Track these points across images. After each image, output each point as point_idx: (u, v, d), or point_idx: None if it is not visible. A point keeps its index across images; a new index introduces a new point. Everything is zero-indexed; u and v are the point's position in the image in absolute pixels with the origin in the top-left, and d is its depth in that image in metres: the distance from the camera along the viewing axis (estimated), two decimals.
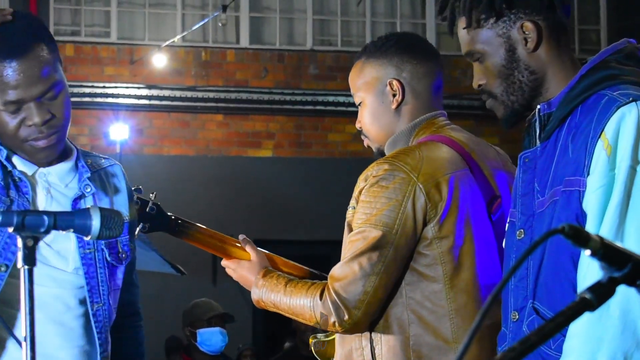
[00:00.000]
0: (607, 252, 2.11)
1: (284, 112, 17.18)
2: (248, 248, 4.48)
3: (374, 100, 4.45)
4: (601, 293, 2.04)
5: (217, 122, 17.14)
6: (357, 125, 4.57)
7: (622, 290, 2.15)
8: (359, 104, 4.52)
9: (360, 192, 4.18)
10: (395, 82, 4.39)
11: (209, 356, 9.41)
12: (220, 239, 4.55)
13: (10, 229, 3.13)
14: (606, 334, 3.21)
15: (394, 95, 4.40)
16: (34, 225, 3.12)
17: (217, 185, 16.31)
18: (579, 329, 3.24)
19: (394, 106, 4.40)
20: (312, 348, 4.47)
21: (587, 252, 2.09)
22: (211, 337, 10.19)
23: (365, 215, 4.12)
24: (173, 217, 4.47)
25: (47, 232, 3.17)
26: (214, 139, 17.12)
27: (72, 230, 3.31)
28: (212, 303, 9.98)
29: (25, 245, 3.09)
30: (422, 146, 4.28)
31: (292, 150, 17.03)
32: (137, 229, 4.36)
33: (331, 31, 17.77)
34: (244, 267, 4.43)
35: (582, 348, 3.25)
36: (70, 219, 3.27)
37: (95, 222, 3.24)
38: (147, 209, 4.38)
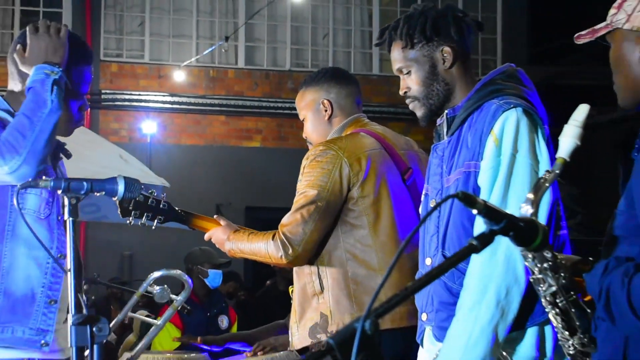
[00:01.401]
0: (488, 212, 2.16)
1: (269, 114, 17.11)
2: (221, 221, 4.38)
3: (313, 115, 4.48)
4: (484, 240, 2.06)
5: (221, 121, 17.07)
6: (304, 135, 4.60)
7: (505, 241, 2.26)
8: (303, 119, 4.54)
9: (303, 168, 4.21)
10: (326, 101, 4.43)
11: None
12: (205, 219, 4.41)
13: (59, 191, 3.19)
14: (494, 272, 3.20)
15: (326, 111, 4.44)
16: (76, 189, 3.17)
17: (220, 166, 16.21)
18: (475, 269, 3.25)
19: (326, 118, 4.44)
20: None
21: (475, 211, 2.14)
22: (216, 277, 10.12)
23: (306, 181, 4.15)
24: (179, 210, 4.34)
25: (86, 194, 3.21)
26: (218, 133, 17.06)
27: (103, 192, 3.29)
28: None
29: (70, 203, 3.17)
30: (348, 135, 4.36)
31: (274, 142, 16.98)
32: (155, 222, 4.22)
33: (304, 57, 17.61)
34: (218, 231, 4.35)
35: (477, 283, 3.23)
36: (102, 184, 3.27)
37: (121, 187, 3.29)
38: (161, 206, 4.24)
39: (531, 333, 3.32)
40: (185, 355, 5.83)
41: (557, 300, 2.72)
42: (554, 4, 17.25)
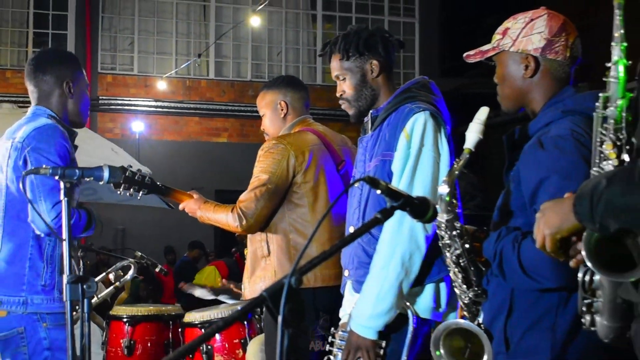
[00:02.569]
0: (389, 192, 2.13)
1: (234, 116, 17.07)
2: (194, 194, 4.28)
3: (271, 113, 4.41)
4: (386, 214, 2.05)
5: (195, 121, 17.07)
6: (262, 128, 4.51)
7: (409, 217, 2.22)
8: (263, 116, 4.46)
9: (259, 157, 4.16)
10: (282, 102, 4.36)
11: None
12: (181, 193, 4.29)
13: (57, 177, 3.11)
14: (400, 240, 3.21)
15: (282, 110, 4.37)
16: (70, 175, 3.12)
17: (194, 157, 16.21)
18: (386, 237, 3.26)
19: (282, 116, 4.37)
20: None
21: (378, 191, 2.13)
22: None
23: (260, 168, 4.11)
24: (160, 185, 4.16)
25: (78, 179, 3.16)
26: (193, 131, 17.05)
27: (92, 178, 3.29)
28: None
29: (65, 186, 3.10)
30: (295, 132, 4.30)
31: (238, 138, 16.89)
32: (140, 192, 4.10)
33: (262, 70, 17.54)
34: (190, 202, 4.24)
35: (387, 248, 3.24)
36: (91, 172, 3.27)
37: (106, 174, 3.35)
38: (145, 181, 4.09)
39: (429, 288, 3.35)
40: (163, 308, 5.81)
41: (460, 261, 2.78)
42: (462, 27, 17.23)
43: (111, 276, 4.13)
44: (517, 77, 2.81)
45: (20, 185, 3.40)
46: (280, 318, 1.81)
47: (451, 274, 2.85)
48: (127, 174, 4.00)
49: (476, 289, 2.80)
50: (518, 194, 2.70)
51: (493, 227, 2.82)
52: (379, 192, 2.13)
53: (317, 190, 4.19)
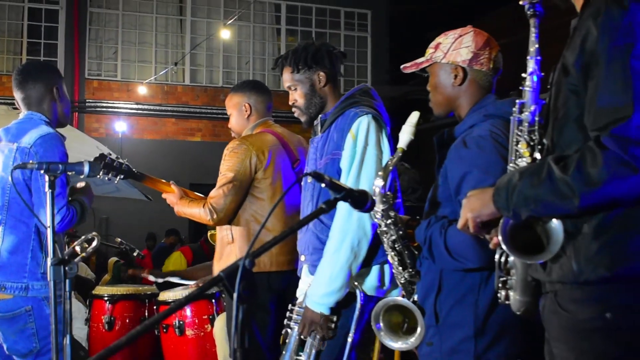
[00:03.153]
0: (332, 185, 2.13)
1: (207, 118, 16.97)
2: (173, 187, 4.27)
3: (236, 113, 4.38)
4: (329, 205, 2.06)
5: (172, 122, 16.90)
6: (229, 125, 4.47)
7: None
8: (230, 115, 4.42)
9: (225, 156, 4.14)
10: (247, 104, 4.33)
11: None
12: (159, 181, 4.30)
13: (42, 171, 3.11)
14: (350, 228, 3.22)
15: (246, 111, 4.34)
16: (54, 169, 3.10)
17: (171, 154, 16.05)
18: (337, 225, 3.27)
19: (246, 117, 4.35)
20: None
21: (323, 185, 2.13)
22: None
23: (227, 166, 4.10)
24: (136, 171, 4.15)
25: (61, 173, 3.14)
26: (170, 131, 16.88)
27: (73, 172, 3.26)
28: None
29: (49, 179, 3.08)
30: (257, 133, 4.28)
31: (210, 138, 16.74)
32: (117, 178, 4.09)
33: (232, 77, 17.34)
34: (170, 196, 4.24)
35: (338, 235, 3.25)
36: (72, 166, 3.23)
37: (86, 168, 3.26)
38: (123, 167, 4.07)
39: (375, 269, 3.37)
40: (140, 288, 5.80)
41: (396, 246, 2.82)
42: (409, 39, 17.29)
43: (78, 248, 4.10)
44: (447, 86, 2.85)
45: (10, 179, 3.40)
46: (235, 295, 1.82)
47: (389, 258, 2.88)
48: (106, 160, 4.01)
49: (410, 270, 2.83)
50: (445, 187, 2.74)
51: (424, 216, 2.86)
52: (323, 185, 2.14)
53: (275, 185, 4.18)
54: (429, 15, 17.60)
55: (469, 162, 2.63)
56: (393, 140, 3.31)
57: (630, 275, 1.97)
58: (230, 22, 15.03)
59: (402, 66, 2.98)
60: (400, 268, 2.85)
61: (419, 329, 2.73)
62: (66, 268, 3.08)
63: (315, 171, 2.15)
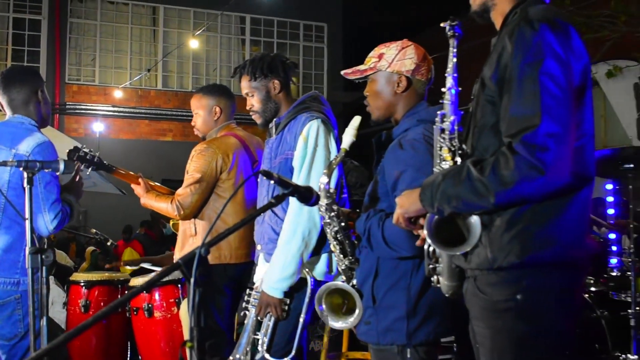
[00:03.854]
0: (280, 182, 2.16)
1: (177, 120, 16.86)
2: (140, 180, 4.22)
3: (205, 114, 4.30)
4: (278, 199, 2.06)
5: (145, 123, 16.86)
6: (192, 123, 4.38)
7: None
8: (196, 114, 4.33)
9: (192, 157, 4.12)
10: (217, 108, 4.28)
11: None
12: (128, 173, 4.23)
13: (21, 168, 3.07)
14: (301, 220, 3.23)
15: (215, 113, 4.28)
16: (32, 167, 3.06)
17: (145, 153, 15.95)
18: (289, 218, 3.28)
19: (215, 119, 4.29)
20: None
21: (272, 182, 2.15)
22: None
23: (194, 167, 4.07)
24: (107, 163, 4.12)
25: (38, 170, 3.10)
26: (144, 132, 16.82)
27: (50, 169, 3.19)
28: None
29: (27, 176, 3.05)
30: (222, 137, 4.24)
31: (181, 138, 16.63)
32: (89, 169, 4.06)
33: (200, 82, 17.06)
34: (138, 188, 4.20)
35: (290, 226, 3.26)
36: (49, 164, 3.16)
37: (61, 166, 3.20)
38: (95, 160, 4.04)
39: (324, 257, 3.40)
40: (114, 274, 5.76)
41: (338, 236, 2.84)
42: (360, 50, 17.32)
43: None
44: (389, 92, 2.87)
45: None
46: (192, 280, 1.83)
47: (331, 247, 2.89)
48: (80, 153, 4.00)
49: (350, 258, 2.85)
50: (383, 183, 2.78)
51: (363, 209, 2.89)
52: (272, 182, 2.15)
53: (237, 185, 4.15)
54: (378, 29, 17.68)
55: (404, 162, 2.67)
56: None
57: (537, 261, 2.07)
58: (198, 32, 14.95)
59: (343, 72, 2.99)
60: (342, 256, 2.86)
61: (357, 310, 2.76)
62: (42, 256, 3.05)
63: (265, 170, 2.18)
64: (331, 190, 2.77)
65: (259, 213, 2.13)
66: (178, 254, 4.26)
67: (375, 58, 2.89)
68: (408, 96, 2.88)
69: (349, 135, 2.77)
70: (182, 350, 4.93)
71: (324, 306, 2.85)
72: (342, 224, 2.83)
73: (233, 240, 4.08)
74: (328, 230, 2.86)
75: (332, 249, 2.89)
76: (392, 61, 2.83)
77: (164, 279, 5.20)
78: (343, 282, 2.87)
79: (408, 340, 2.69)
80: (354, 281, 2.85)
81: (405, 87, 2.85)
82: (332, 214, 2.79)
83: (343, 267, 2.88)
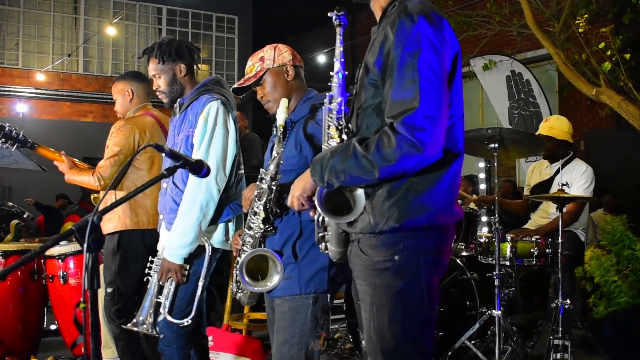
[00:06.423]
0: (172, 154, 2.18)
1: (97, 102, 16.43)
2: (63, 157, 4.14)
3: (121, 98, 4.30)
4: (170, 171, 2.09)
5: (67, 105, 16.38)
6: (115, 108, 4.36)
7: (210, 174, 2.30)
8: (116, 99, 4.33)
9: (112, 133, 4.08)
10: (129, 90, 4.28)
11: None
12: (51, 151, 4.14)
13: None
14: (199, 191, 3.21)
15: (129, 96, 4.28)
16: None
17: (67, 133, 15.37)
18: (189, 189, 3.25)
19: (128, 101, 4.29)
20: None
21: (163, 154, 2.16)
22: None
23: (114, 142, 4.04)
24: (30, 141, 4.04)
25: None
26: (66, 113, 16.33)
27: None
28: None
29: None
30: (139, 115, 4.23)
31: (101, 119, 16.15)
32: (14, 146, 3.99)
33: (120, 68, 16.81)
34: (62, 165, 4.12)
35: (189, 197, 3.23)
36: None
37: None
38: (20, 137, 4.00)
39: (221, 226, 3.39)
40: (30, 244, 5.57)
41: (267, 206, 2.75)
42: (269, 41, 17.30)
43: None
44: (283, 83, 2.91)
45: None
46: (85, 245, 1.80)
47: (255, 210, 2.79)
48: (5, 130, 3.94)
49: (269, 227, 2.78)
50: (301, 156, 2.80)
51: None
52: (163, 155, 2.12)
53: (152, 159, 4.13)
54: (285, 22, 17.77)
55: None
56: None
57: (413, 225, 2.12)
58: (116, 21, 14.69)
59: (236, 84, 2.97)
60: (261, 224, 2.78)
61: (278, 270, 2.73)
62: None
63: (156, 143, 2.13)
64: (281, 162, 2.73)
65: (151, 184, 2.08)
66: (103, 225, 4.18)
67: (258, 62, 2.92)
68: (298, 83, 2.94)
69: (281, 114, 2.76)
70: (76, 311, 5.06)
71: (245, 276, 2.76)
72: (272, 195, 2.76)
73: (151, 207, 4.06)
74: (258, 198, 2.77)
75: (253, 217, 2.80)
76: (274, 58, 2.90)
77: (79, 248, 5.11)
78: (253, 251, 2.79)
79: (329, 287, 2.76)
80: (263, 247, 2.81)
81: (294, 75, 2.92)
82: (273, 182, 2.73)
83: (258, 235, 2.80)
